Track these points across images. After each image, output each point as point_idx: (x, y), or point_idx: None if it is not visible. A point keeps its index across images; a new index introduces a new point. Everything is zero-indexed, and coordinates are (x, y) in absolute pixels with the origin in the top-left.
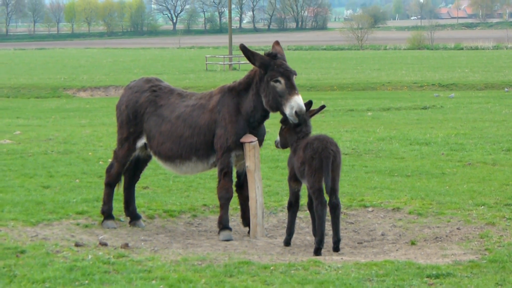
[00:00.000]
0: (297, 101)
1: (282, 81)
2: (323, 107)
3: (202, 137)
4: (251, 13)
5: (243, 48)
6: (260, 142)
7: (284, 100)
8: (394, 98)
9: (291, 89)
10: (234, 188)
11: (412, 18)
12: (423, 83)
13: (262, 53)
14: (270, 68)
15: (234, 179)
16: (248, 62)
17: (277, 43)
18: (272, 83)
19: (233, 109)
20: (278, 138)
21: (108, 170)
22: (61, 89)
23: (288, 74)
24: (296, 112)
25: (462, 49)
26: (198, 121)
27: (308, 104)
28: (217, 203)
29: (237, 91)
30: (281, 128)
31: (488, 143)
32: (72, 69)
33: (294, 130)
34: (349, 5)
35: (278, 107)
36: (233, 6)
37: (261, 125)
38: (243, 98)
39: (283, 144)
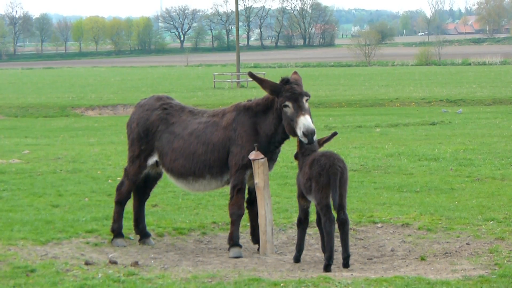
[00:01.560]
0: (303, 121)
1: (290, 104)
2: (334, 134)
3: (216, 154)
4: (259, 30)
5: (252, 76)
6: (274, 161)
7: (295, 123)
8: (402, 114)
9: (298, 110)
10: (245, 204)
11: (419, 34)
12: (431, 99)
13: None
14: (280, 95)
15: (246, 196)
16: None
17: (295, 72)
18: (284, 108)
19: (250, 128)
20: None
21: (119, 188)
22: (69, 108)
23: (295, 97)
24: (303, 133)
25: (469, 64)
26: (212, 138)
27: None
28: (227, 220)
29: (254, 112)
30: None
31: (497, 158)
32: (80, 88)
33: (301, 150)
34: (356, 21)
35: (294, 131)
36: (240, 23)
37: (280, 146)
38: (261, 119)
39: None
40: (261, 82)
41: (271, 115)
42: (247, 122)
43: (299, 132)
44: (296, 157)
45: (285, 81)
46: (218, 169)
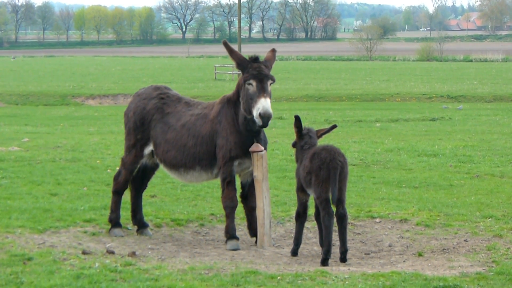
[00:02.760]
0: (263, 103)
1: (254, 83)
2: (334, 126)
3: (204, 147)
4: (261, 23)
5: (225, 44)
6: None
7: (254, 102)
8: (403, 109)
9: (260, 91)
10: (239, 199)
11: (421, 29)
12: (431, 95)
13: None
14: (246, 70)
15: (239, 190)
16: None
17: (272, 50)
18: (246, 85)
19: (231, 119)
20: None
21: (116, 178)
22: (70, 96)
23: (260, 77)
24: (260, 114)
25: (471, 61)
26: (201, 130)
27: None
28: (224, 212)
29: (233, 101)
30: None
31: (496, 155)
32: (81, 77)
33: (300, 144)
34: (359, 15)
35: (250, 110)
36: (242, 15)
37: (259, 134)
38: (238, 107)
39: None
40: (231, 52)
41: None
42: (229, 113)
43: (256, 112)
44: (294, 145)
45: (254, 59)
46: (207, 161)
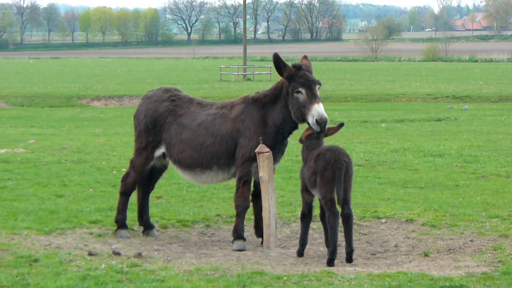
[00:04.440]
0: (317, 109)
1: (303, 91)
2: (341, 125)
3: (224, 146)
4: (266, 23)
5: (277, 57)
6: (283, 153)
7: (306, 110)
8: (408, 109)
9: (312, 98)
10: (250, 197)
11: (426, 30)
12: (437, 95)
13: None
14: (293, 80)
15: (251, 188)
16: (262, 73)
17: (305, 57)
18: (295, 94)
19: (258, 120)
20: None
21: (124, 179)
22: (75, 98)
23: (309, 84)
24: (317, 121)
25: (476, 61)
26: (220, 129)
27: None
28: (231, 213)
29: (262, 103)
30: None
31: (502, 155)
32: (87, 78)
33: (306, 144)
34: (364, 16)
35: (303, 117)
36: (248, 16)
37: (288, 136)
38: (269, 110)
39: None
40: (284, 66)
41: (279, 104)
42: (255, 114)
43: (311, 119)
44: (301, 141)
45: (298, 67)
46: (225, 160)
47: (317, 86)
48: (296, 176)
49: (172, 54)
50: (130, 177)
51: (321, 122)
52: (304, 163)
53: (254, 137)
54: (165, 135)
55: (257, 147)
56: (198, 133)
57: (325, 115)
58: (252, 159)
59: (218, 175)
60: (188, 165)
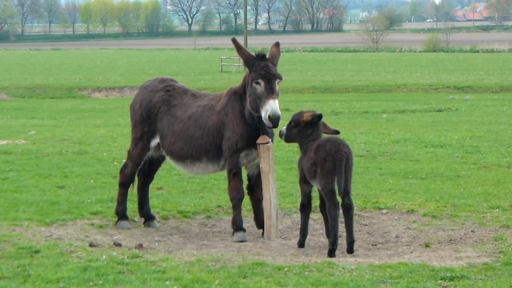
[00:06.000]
0: (272, 105)
1: (262, 83)
2: (337, 132)
3: (211, 139)
4: (267, 14)
5: (233, 41)
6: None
7: (262, 103)
8: (409, 100)
9: (269, 92)
10: (245, 191)
11: (427, 20)
12: (438, 86)
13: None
14: (253, 69)
15: (245, 182)
16: None
17: (276, 44)
18: (253, 84)
19: (238, 111)
20: (284, 129)
21: (122, 171)
22: (76, 89)
23: (269, 77)
24: (269, 117)
25: (477, 51)
26: (207, 122)
27: (318, 116)
28: (231, 204)
29: (239, 94)
30: (289, 122)
31: (503, 145)
32: (87, 69)
33: (305, 133)
34: (365, 7)
35: (257, 109)
36: (248, 7)
37: (269, 129)
38: (244, 100)
39: (288, 139)
40: (239, 49)
41: (247, 94)
42: (236, 105)
43: (264, 114)
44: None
45: (261, 56)
46: (214, 153)
47: (277, 81)
48: (296, 167)
49: (173, 45)
50: (128, 168)
51: (273, 119)
52: (303, 153)
53: (236, 129)
54: (159, 125)
55: (241, 138)
56: (188, 125)
57: (279, 112)
58: (238, 150)
59: (208, 167)
60: (179, 157)
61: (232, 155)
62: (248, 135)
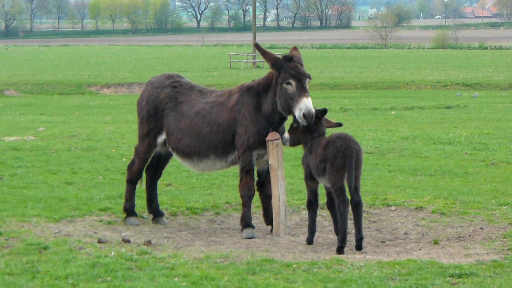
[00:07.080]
0: (306, 103)
1: (293, 83)
2: (339, 125)
3: (220, 135)
4: (275, 11)
5: (257, 46)
6: None
7: (294, 102)
8: (418, 97)
9: (301, 91)
10: (255, 187)
11: (436, 17)
12: (447, 83)
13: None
14: (283, 70)
15: (255, 178)
16: None
17: (294, 48)
18: (284, 85)
19: (252, 108)
20: (286, 135)
21: (130, 167)
22: (85, 85)
23: (299, 77)
24: (304, 114)
25: (486, 48)
26: (217, 118)
27: (323, 112)
28: (240, 201)
29: (256, 92)
30: (291, 126)
31: None
32: (96, 66)
33: (309, 130)
34: (373, 3)
35: (289, 109)
36: (257, 4)
37: (280, 125)
38: (262, 98)
39: (293, 142)
40: (264, 53)
41: (270, 93)
42: (250, 103)
43: (299, 112)
44: (289, 131)
45: (289, 58)
46: (222, 149)
47: (307, 80)
48: None
49: (182, 41)
50: (135, 165)
51: (308, 116)
52: (309, 150)
53: (250, 126)
54: (165, 121)
55: (253, 135)
56: (196, 121)
57: (313, 110)
58: (251, 148)
59: (216, 163)
60: (186, 154)
61: (245, 152)
62: (261, 132)
